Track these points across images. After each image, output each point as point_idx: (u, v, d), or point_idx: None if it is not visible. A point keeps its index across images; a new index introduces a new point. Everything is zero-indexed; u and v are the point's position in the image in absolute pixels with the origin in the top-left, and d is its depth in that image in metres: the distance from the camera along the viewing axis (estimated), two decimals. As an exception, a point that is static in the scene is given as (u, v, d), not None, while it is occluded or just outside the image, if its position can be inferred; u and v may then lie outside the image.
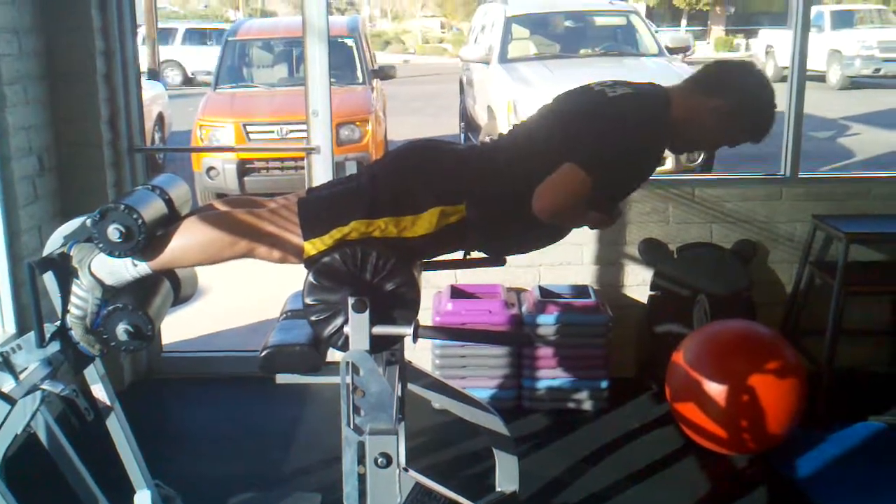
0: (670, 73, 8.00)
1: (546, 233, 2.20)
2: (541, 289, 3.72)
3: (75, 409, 2.05)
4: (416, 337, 2.00)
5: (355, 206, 2.05)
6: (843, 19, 17.93)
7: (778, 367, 3.09)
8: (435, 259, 2.30)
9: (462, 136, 10.26)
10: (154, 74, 12.73)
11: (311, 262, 2.05)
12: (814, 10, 4.01)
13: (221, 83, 8.53)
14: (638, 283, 3.87)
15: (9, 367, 2.05)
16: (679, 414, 3.24)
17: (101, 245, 1.99)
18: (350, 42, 8.66)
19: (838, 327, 3.47)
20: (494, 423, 2.66)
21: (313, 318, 2.04)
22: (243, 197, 2.51)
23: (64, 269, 2.07)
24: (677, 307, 3.75)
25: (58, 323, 2.09)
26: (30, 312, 2.20)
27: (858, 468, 3.15)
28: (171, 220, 2.13)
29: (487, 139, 2.09)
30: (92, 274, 2.05)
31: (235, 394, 3.80)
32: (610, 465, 3.17)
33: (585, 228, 2.24)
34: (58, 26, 3.41)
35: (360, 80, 8.50)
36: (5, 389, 2.02)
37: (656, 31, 9.45)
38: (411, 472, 2.16)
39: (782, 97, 3.91)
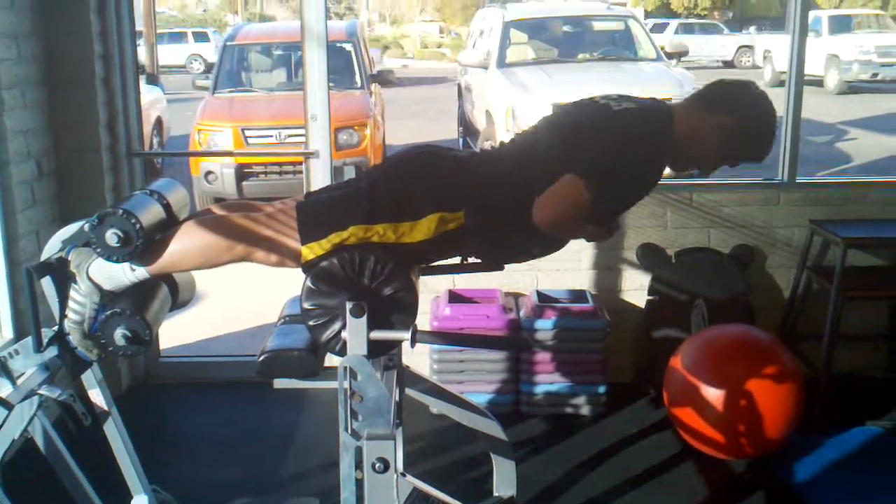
0: (668, 78, 8.03)
1: (544, 243, 2.20)
2: (539, 293, 3.72)
3: (73, 414, 2.05)
4: (413, 342, 2.00)
5: (354, 211, 2.05)
6: (841, 24, 17.97)
7: (775, 372, 3.10)
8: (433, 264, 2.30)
9: (460, 140, 10.27)
10: (153, 79, 12.72)
11: (309, 267, 2.05)
12: (811, 14, 4.01)
13: (220, 87, 8.53)
14: (636, 287, 3.87)
15: (6, 371, 2.04)
16: (677, 419, 3.24)
17: (99, 250, 1.99)
18: (348, 46, 8.66)
19: (836, 332, 3.47)
20: (492, 428, 2.66)
21: (311, 322, 2.04)
22: (241, 201, 2.51)
23: (62, 274, 2.06)
24: (675, 312, 3.75)
25: (55, 328, 2.09)
26: (27, 317, 2.20)
27: (856, 473, 3.16)
28: (170, 224, 2.12)
29: (488, 146, 2.08)
30: (90, 279, 2.05)
31: (233, 399, 3.80)
32: (608, 470, 3.17)
33: None
34: (56, 31, 3.41)
35: (359, 85, 8.51)
36: (2, 394, 2.01)
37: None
38: (409, 478, 2.16)
39: (780, 102, 3.95)
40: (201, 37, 25.70)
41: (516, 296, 3.80)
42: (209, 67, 18.04)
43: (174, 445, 3.44)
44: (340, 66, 8.23)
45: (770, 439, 3.10)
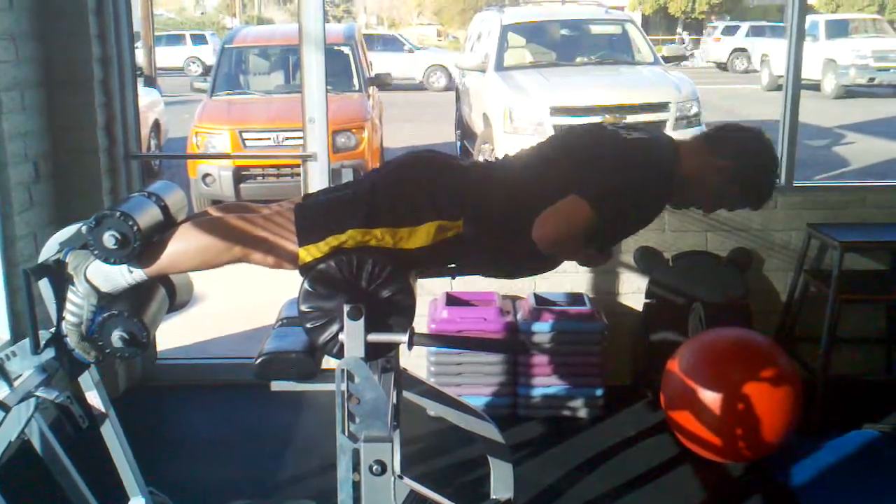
0: (665, 81, 8.05)
1: (537, 261, 2.19)
2: (536, 296, 3.72)
3: (70, 415, 2.04)
4: (411, 344, 2.00)
5: (352, 214, 2.05)
6: (838, 28, 18.02)
7: (773, 375, 3.10)
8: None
9: (458, 143, 10.27)
10: (151, 81, 12.72)
11: (306, 269, 2.05)
12: (809, 19, 4.02)
13: (218, 90, 8.53)
14: (633, 291, 3.87)
15: (3, 373, 2.04)
16: (674, 422, 3.24)
17: (96, 252, 1.99)
18: (346, 50, 8.67)
19: (833, 335, 3.48)
20: (489, 431, 2.66)
21: (309, 325, 2.04)
22: (238, 203, 2.51)
23: (59, 276, 2.06)
24: (673, 315, 3.75)
25: (53, 330, 2.09)
26: (25, 319, 2.20)
27: (853, 476, 3.16)
28: (167, 226, 2.12)
29: (492, 156, 2.09)
30: (87, 281, 2.05)
31: (230, 401, 3.79)
32: (605, 472, 3.17)
33: None
34: (55, 33, 3.41)
35: (357, 88, 8.51)
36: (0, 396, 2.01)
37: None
38: (406, 480, 2.16)
39: (778, 106, 3.96)
40: (199, 39, 25.72)
41: (514, 299, 3.80)
42: (207, 70, 18.07)
43: (171, 447, 3.44)
44: (338, 69, 8.24)
45: (768, 442, 3.10)
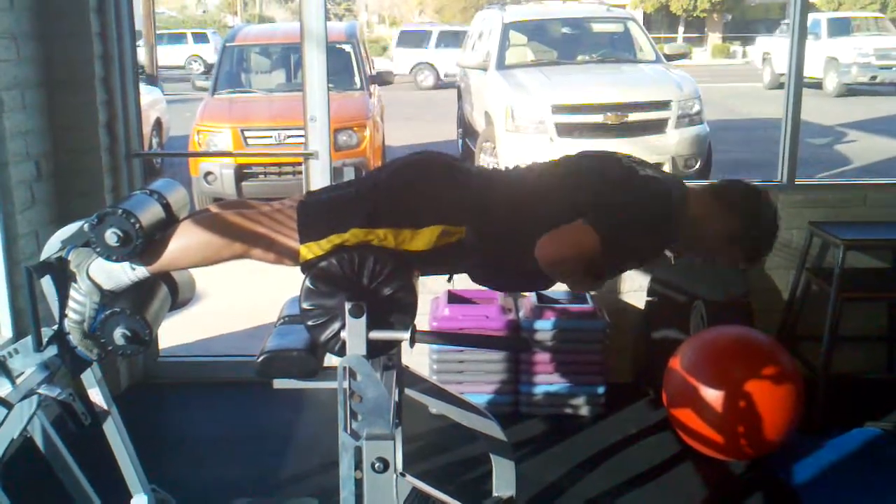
0: (667, 80, 8.04)
1: (533, 279, 2.17)
2: (538, 294, 3.72)
3: (72, 413, 2.05)
4: (413, 342, 2.00)
5: (355, 213, 2.04)
6: (840, 27, 17.98)
7: (775, 373, 3.10)
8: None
9: (459, 141, 10.27)
10: (152, 79, 12.71)
11: (307, 267, 2.05)
12: (811, 17, 4.02)
13: (220, 88, 8.53)
14: (635, 288, 3.87)
15: (5, 371, 2.04)
16: (676, 419, 3.24)
17: (98, 249, 1.99)
18: (348, 48, 8.67)
19: (835, 334, 3.48)
20: (492, 429, 2.66)
21: (310, 322, 2.04)
22: (240, 200, 2.51)
23: (61, 274, 2.06)
24: (674, 313, 3.75)
25: (55, 327, 2.09)
26: (27, 316, 2.20)
27: (855, 474, 3.16)
28: (169, 224, 2.12)
29: (503, 165, 2.08)
30: (90, 278, 2.05)
31: (232, 398, 3.80)
32: (607, 470, 3.17)
33: None
34: (56, 31, 3.41)
35: (358, 86, 8.51)
36: (2, 394, 2.01)
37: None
38: (408, 478, 2.16)
39: (780, 104, 3.95)
40: (201, 38, 25.73)
41: (515, 296, 3.80)
42: (209, 68, 18.08)
43: (173, 445, 3.44)
44: (340, 68, 8.24)
45: (769, 440, 3.10)
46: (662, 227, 2.11)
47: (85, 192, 3.52)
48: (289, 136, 7.49)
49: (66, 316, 2.07)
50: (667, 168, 7.14)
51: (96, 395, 2.36)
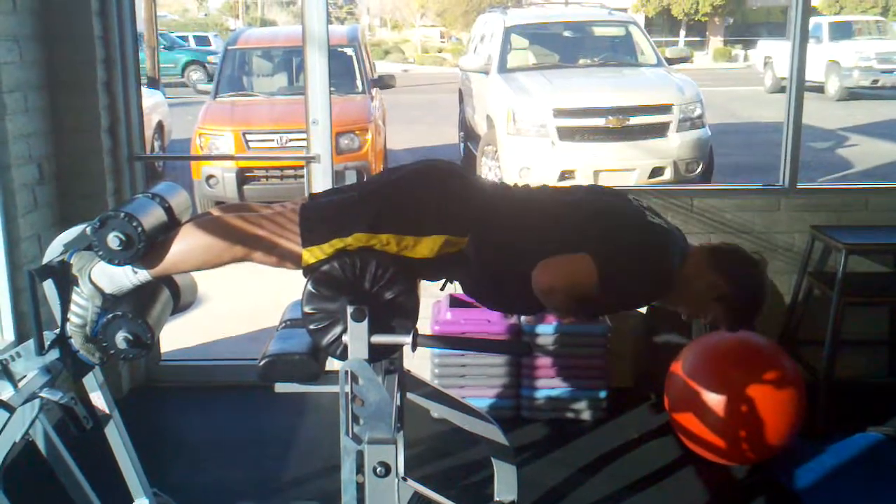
0: (669, 83, 8.04)
1: (527, 302, 2.15)
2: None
3: (74, 417, 2.05)
4: (414, 346, 2.00)
5: (358, 217, 2.04)
6: (842, 30, 17.96)
7: (776, 378, 3.10)
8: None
9: (461, 145, 10.28)
10: (154, 82, 12.73)
11: (309, 271, 2.05)
12: (812, 21, 4.02)
13: (221, 92, 8.54)
14: (637, 292, 3.86)
15: (8, 374, 2.04)
16: (678, 424, 3.23)
17: (100, 253, 1.99)
18: (350, 51, 8.67)
19: (837, 338, 3.47)
20: (493, 433, 2.66)
21: (312, 326, 2.04)
22: (242, 204, 2.50)
23: (64, 277, 2.07)
24: (676, 317, 3.72)
25: (57, 331, 2.09)
26: (29, 320, 2.20)
27: (857, 479, 3.15)
28: (171, 227, 2.13)
29: (512, 182, 2.09)
30: (92, 282, 2.05)
31: (234, 402, 3.80)
32: (608, 474, 3.17)
33: None
34: (59, 34, 3.42)
35: (360, 90, 8.51)
36: (4, 397, 2.01)
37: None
38: (410, 482, 2.16)
39: (781, 108, 3.95)
40: (203, 41, 25.73)
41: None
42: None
43: (175, 448, 3.44)
44: (341, 71, 8.24)
45: (771, 445, 3.10)
46: (658, 278, 2.12)
47: (87, 196, 3.52)
48: (290, 140, 7.49)
49: (68, 320, 2.07)
50: (669, 172, 7.14)
51: (98, 399, 2.36)
